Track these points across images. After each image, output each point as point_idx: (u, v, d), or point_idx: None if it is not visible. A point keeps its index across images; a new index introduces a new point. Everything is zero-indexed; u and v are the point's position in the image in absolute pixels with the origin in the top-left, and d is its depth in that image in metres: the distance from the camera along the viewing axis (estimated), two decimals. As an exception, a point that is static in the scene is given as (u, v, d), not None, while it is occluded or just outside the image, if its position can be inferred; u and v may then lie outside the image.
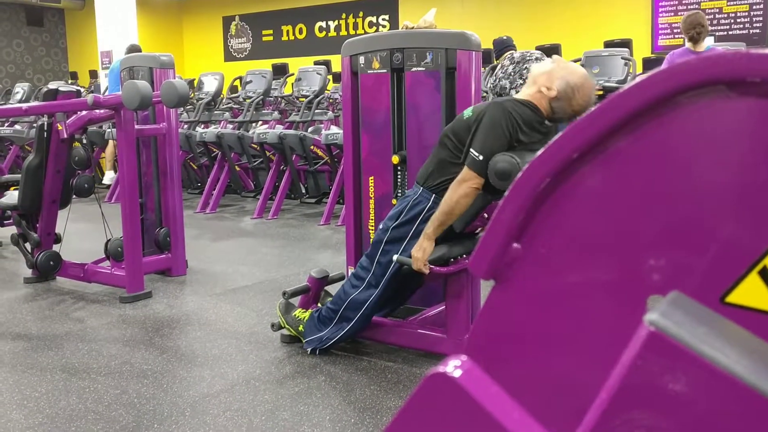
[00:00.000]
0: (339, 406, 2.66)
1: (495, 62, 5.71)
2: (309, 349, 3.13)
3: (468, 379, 0.76)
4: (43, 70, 16.25)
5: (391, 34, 3.47)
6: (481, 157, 2.62)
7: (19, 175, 4.48)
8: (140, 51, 8.12)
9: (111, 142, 8.45)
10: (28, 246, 4.46)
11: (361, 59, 3.39)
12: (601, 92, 6.10)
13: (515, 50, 5.82)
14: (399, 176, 3.39)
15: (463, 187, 2.65)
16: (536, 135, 2.75)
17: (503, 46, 5.85)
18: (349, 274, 3.21)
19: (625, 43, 7.76)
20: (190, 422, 2.54)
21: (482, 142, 2.64)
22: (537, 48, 6.37)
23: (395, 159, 3.33)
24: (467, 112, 2.82)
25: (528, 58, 5.59)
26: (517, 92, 5.55)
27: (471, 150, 2.66)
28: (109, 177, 8.60)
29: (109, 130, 7.63)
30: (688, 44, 5.75)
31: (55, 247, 4.49)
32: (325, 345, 3.09)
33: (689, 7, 10.24)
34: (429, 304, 3.43)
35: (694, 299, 0.75)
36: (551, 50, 7.52)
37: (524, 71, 5.54)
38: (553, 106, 2.75)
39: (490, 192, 2.73)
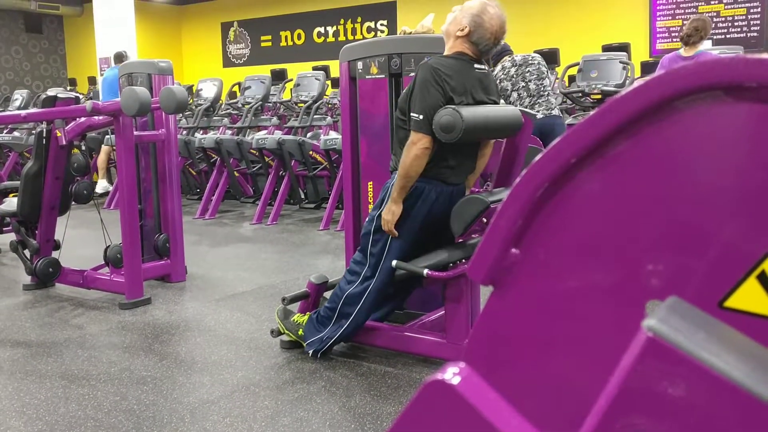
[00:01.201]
0: (339, 412, 2.66)
1: (491, 68, 5.71)
2: (310, 351, 3.12)
3: (466, 386, 0.76)
4: (42, 76, 16.27)
5: (389, 39, 3.47)
6: (421, 116, 2.77)
7: (18, 182, 4.47)
8: (127, 58, 8.13)
9: (103, 149, 8.44)
10: (27, 253, 4.45)
11: (360, 64, 3.40)
12: (599, 96, 6.11)
13: (513, 55, 5.82)
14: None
15: (413, 149, 2.80)
16: (471, 81, 2.89)
17: (501, 51, 5.85)
18: (344, 271, 3.22)
19: (624, 47, 7.78)
20: (189, 428, 2.54)
21: (418, 103, 2.79)
22: (535, 52, 6.37)
23: None
24: (404, 91, 2.96)
25: (530, 61, 5.59)
26: (519, 95, 5.56)
27: (411, 114, 2.81)
28: (101, 186, 8.57)
29: (108, 136, 7.64)
30: (681, 48, 5.76)
31: (54, 254, 4.48)
32: (326, 344, 3.09)
33: (687, 11, 10.27)
34: (428, 309, 3.43)
35: (692, 304, 0.75)
36: (549, 54, 7.55)
37: (527, 74, 5.54)
38: (473, 41, 2.89)
39: (448, 147, 2.82)
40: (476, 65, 2.92)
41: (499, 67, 5.76)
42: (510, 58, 5.69)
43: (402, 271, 2.90)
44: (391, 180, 2.98)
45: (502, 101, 5.31)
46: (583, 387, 0.80)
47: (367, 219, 3.07)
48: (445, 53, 2.94)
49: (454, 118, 2.70)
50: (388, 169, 3.37)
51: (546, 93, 5.56)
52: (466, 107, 2.77)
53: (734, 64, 0.72)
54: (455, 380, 0.77)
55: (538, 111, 5.44)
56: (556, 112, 5.58)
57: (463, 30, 2.88)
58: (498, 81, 5.71)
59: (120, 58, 8.18)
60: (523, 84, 5.56)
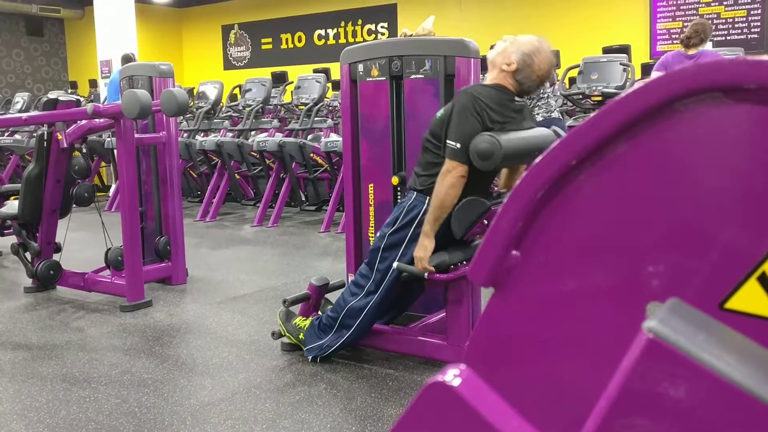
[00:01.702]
0: (340, 415, 2.66)
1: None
2: (309, 357, 3.12)
3: (467, 387, 0.76)
4: (43, 79, 16.29)
5: (389, 41, 3.47)
6: (458, 145, 2.70)
7: (19, 185, 4.48)
8: (135, 60, 8.14)
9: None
10: (28, 255, 4.46)
11: (360, 67, 3.40)
12: (599, 98, 6.11)
13: None
14: (399, 197, 3.39)
15: (448, 177, 2.72)
16: (510, 113, 2.83)
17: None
18: (349, 281, 3.21)
19: (624, 49, 7.77)
20: (190, 431, 2.54)
21: (456, 131, 2.71)
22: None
23: (395, 180, 3.34)
24: (439, 112, 2.89)
25: None
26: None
27: (447, 141, 2.73)
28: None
29: (109, 139, 7.65)
30: (682, 48, 5.78)
31: (55, 257, 4.48)
32: (326, 352, 3.09)
33: (687, 12, 10.27)
34: (429, 311, 3.43)
35: (692, 306, 0.75)
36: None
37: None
38: (518, 79, 2.82)
39: (477, 178, 2.78)
40: (516, 98, 2.85)
41: None
42: None
43: (405, 273, 2.89)
44: (408, 200, 2.93)
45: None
46: (583, 388, 0.80)
47: (377, 235, 3.02)
48: (487, 82, 2.87)
49: (493, 146, 2.63)
50: (388, 172, 3.37)
51: (546, 95, 5.56)
52: (503, 134, 2.70)
53: (734, 66, 0.72)
54: (456, 382, 0.77)
55: (537, 113, 5.44)
56: (556, 114, 5.58)
57: (510, 65, 2.80)
58: None
59: (128, 60, 8.19)
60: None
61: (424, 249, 2.80)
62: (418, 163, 2.97)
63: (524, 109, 2.93)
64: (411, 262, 2.89)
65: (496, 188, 3.34)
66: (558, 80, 5.85)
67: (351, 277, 3.31)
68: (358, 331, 3.03)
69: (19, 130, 8.68)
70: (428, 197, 2.86)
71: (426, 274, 2.81)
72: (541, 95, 5.54)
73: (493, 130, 2.72)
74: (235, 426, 2.56)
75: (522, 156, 2.88)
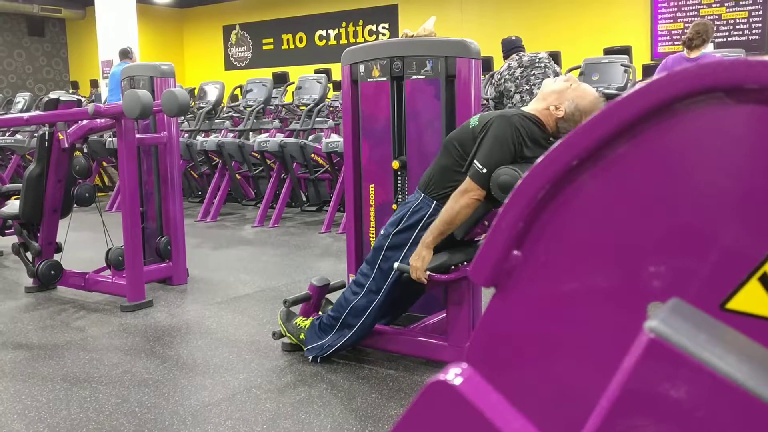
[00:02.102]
0: (340, 415, 2.66)
1: (499, 63, 5.71)
2: (310, 357, 3.12)
3: (468, 386, 0.76)
4: (45, 79, 16.30)
5: (390, 42, 3.47)
6: (485, 170, 2.63)
7: (21, 185, 4.48)
8: (132, 54, 8.14)
9: None
10: (29, 255, 4.46)
11: (361, 67, 3.40)
12: (600, 99, 6.10)
13: (523, 51, 5.79)
14: (399, 183, 3.40)
15: (465, 197, 2.67)
16: (540, 150, 2.74)
17: (511, 46, 5.83)
18: (350, 281, 3.21)
19: (625, 50, 7.77)
20: (191, 431, 2.54)
21: (487, 155, 2.64)
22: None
23: (395, 164, 3.34)
24: (473, 121, 2.82)
25: (537, 63, 5.57)
26: (521, 98, 5.55)
27: (475, 162, 2.67)
28: None
29: (111, 139, 7.65)
30: (684, 50, 5.77)
31: (56, 257, 4.49)
32: (327, 352, 3.09)
33: (688, 14, 10.28)
34: (430, 311, 3.43)
35: (694, 306, 0.75)
36: (551, 57, 7.52)
37: (531, 77, 5.53)
38: (559, 126, 2.76)
39: (492, 203, 2.74)
40: (551, 138, 2.79)
41: (505, 65, 5.74)
42: (517, 58, 5.66)
43: (406, 274, 2.89)
44: (416, 199, 2.91)
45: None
46: (585, 388, 0.80)
47: (381, 233, 3.00)
48: (528, 110, 2.80)
49: (514, 179, 2.58)
50: (389, 172, 3.37)
51: None
52: (523, 166, 2.65)
53: (735, 66, 0.72)
54: (457, 381, 0.77)
55: None
56: None
57: (558, 109, 2.74)
58: (502, 80, 5.71)
59: (126, 54, 8.20)
60: (527, 87, 5.56)
61: (421, 259, 2.77)
62: (435, 164, 2.91)
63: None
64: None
65: None
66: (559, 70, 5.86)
67: (352, 278, 3.31)
68: (360, 331, 3.03)
69: (20, 130, 8.68)
70: (435, 202, 2.84)
71: (427, 275, 2.81)
72: None
73: (518, 163, 2.67)
74: (235, 426, 2.56)
75: None
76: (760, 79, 0.71)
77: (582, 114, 2.72)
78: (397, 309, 3.24)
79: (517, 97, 5.62)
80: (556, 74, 5.63)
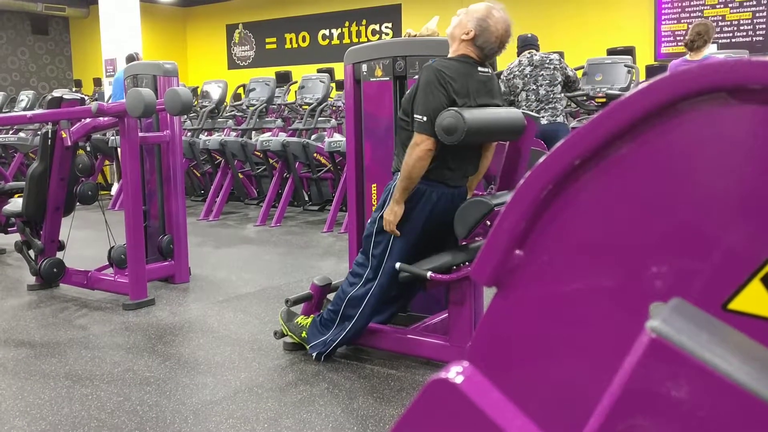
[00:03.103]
0: (341, 414, 2.66)
1: (495, 70, 5.68)
2: (314, 354, 3.12)
3: (470, 385, 0.76)
4: (48, 77, 16.32)
5: (393, 41, 3.48)
6: (424, 118, 2.77)
7: (24, 183, 4.49)
8: (139, 59, 8.16)
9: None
10: (31, 253, 4.47)
11: (364, 67, 3.40)
12: (603, 100, 6.10)
13: (537, 50, 5.76)
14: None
15: (416, 150, 2.79)
16: (474, 84, 2.88)
17: (525, 43, 5.81)
18: (347, 273, 3.22)
19: (628, 51, 7.76)
20: (192, 430, 2.54)
21: (422, 104, 2.78)
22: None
23: None
24: (409, 90, 2.95)
25: (547, 64, 5.55)
26: (527, 96, 5.54)
27: (415, 115, 2.80)
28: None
29: (113, 138, 7.66)
30: (687, 54, 5.75)
31: (59, 255, 4.49)
32: (330, 348, 3.09)
33: (692, 15, 10.26)
34: (432, 311, 3.43)
35: (696, 306, 0.75)
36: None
37: (539, 77, 5.52)
38: (478, 45, 2.88)
39: (450, 150, 2.82)
40: (480, 68, 2.92)
41: (516, 61, 5.73)
42: (529, 56, 5.65)
43: (406, 273, 2.89)
44: (393, 181, 2.97)
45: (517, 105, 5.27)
46: (586, 387, 0.80)
47: (369, 220, 3.07)
48: (449, 56, 2.94)
49: (457, 121, 2.69)
50: (391, 172, 3.37)
51: (554, 100, 5.54)
52: (468, 109, 2.77)
53: (738, 67, 0.72)
54: (459, 379, 0.77)
55: (543, 117, 5.43)
56: (560, 119, 5.57)
57: (468, 33, 2.87)
58: (511, 76, 5.70)
59: (131, 59, 8.21)
60: (533, 87, 5.54)
61: (393, 213, 2.88)
62: (396, 144, 3.06)
63: (490, 81, 2.98)
64: (406, 248, 2.93)
65: (492, 191, 3.34)
66: (573, 72, 5.81)
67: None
68: (361, 322, 3.03)
69: (23, 128, 8.70)
70: None
71: (429, 275, 2.81)
72: (551, 99, 5.53)
73: (457, 103, 2.77)
74: (236, 425, 2.57)
75: (488, 133, 2.92)
76: (762, 79, 0.71)
77: (485, 19, 2.86)
78: (395, 306, 3.23)
79: (523, 95, 5.60)
80: (567, 76, 5.61)
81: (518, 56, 5.76)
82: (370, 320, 3.08)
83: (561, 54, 5.75)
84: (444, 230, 2.94)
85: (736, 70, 0.73)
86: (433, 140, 2.77)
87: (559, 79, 5.55)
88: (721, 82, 0.74)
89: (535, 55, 5.64)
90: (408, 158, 2.80)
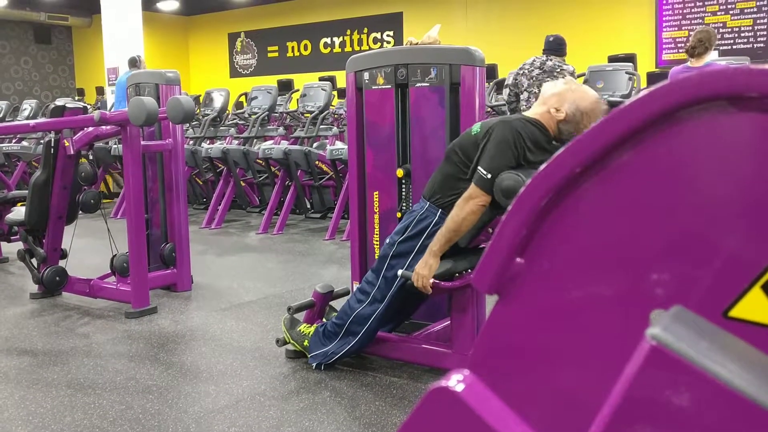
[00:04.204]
0: (344, 422, 2.65)
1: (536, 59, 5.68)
2: (314, 364, 3.12)
3: (470, 393, 0.76)
4: (51, 86, 16.37)
5: (395, 50, 3.48)
6: (489, 176, 2.63)
7: (26, 191, 4.50)
8: (141, 62, 8.19)
9: None
10: (34, 261, 4.47)
11: (366, 75, 3.41)
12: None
13: (557, 57, 5.72)
14: (404, 190, 3.40)
15: (470, 204, 2.67)
16: (544, 154, 2.75)
17: (547, 47, 5.76)
18: (355, 288, 3.21)
19: (630, 58, 7.77)
20: (194, 438, 2.54)
21: (490, 161, 2.64)
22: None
23: (400, 172, 3.34)
24: (475, 128, 2.82)
25: (556, 73, 5.54)
26: (529, 97, 5.54)
27: (479, 168, 2.67)
28: None
29: (116, 146, 7.68)
30: (689, 61, 5.76)
31: (61, 263, 4.50)
32: (330, 359, 3.09)
33: (693, 22, 10.28)
34: (434, 319, 3.43)
35: (696, 314, 0.75)
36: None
37: (543, 83, 5.53)
38: (561, 128, 2.77)
39: (496, 209, 2.74)
40: (553, 141, 2.80)
41: (530, 60, 5.73)
42: (543, 59, 5.65)
43: (410, 281, 2.89)
44: (422, 208, 2.91)
45: None
46: (587, 395, 0.80)
47: (386, 242, 3.00)
48: (530, 114, 2.82)
49: (517, 184, 2.58)
50: (393, 179, 3.38)
51: None
52: (527, 171, 2.65)
53: (737, 75, 0.73)
54: (459, 387, 0.77)
55: None
56: None
57: (558, 112, 2.75)
58: (521, 72, 5.71)
59: (134, 63, 8.24)
60: (535, 91, 5.55)
61: (428, 268, 2.76)
62: (439, 172, 2.92)
63: (557, 150, 2.87)
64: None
65: None
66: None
67: (356, 285, 3.31)
68: (364, 339, 3.03)
69: (26, 137, 8.72)
70: (441, 210, 2.84)
71: (431, 282, 2.81)
72: None
73: (522, 167, 2.67)
74: (239, 433, 2.56)
75: None
76: (761, 87, 0.72)
77: (583, 115, 2.74)
78: (400, 316, 3.24)
79: (525, 95, 5.61)
80: None
81: (543, 52, 5.75)
82: (374, 337, 3.07)
83: (573, 70, 5.73)
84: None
85: (735, 78, 0.73)
86: (489, 198, 2.65)
87: None
88: (721, 90, 0.75)
89: (550, 60, 5.63)
90: (459, 210, 2.68)
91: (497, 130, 2.69)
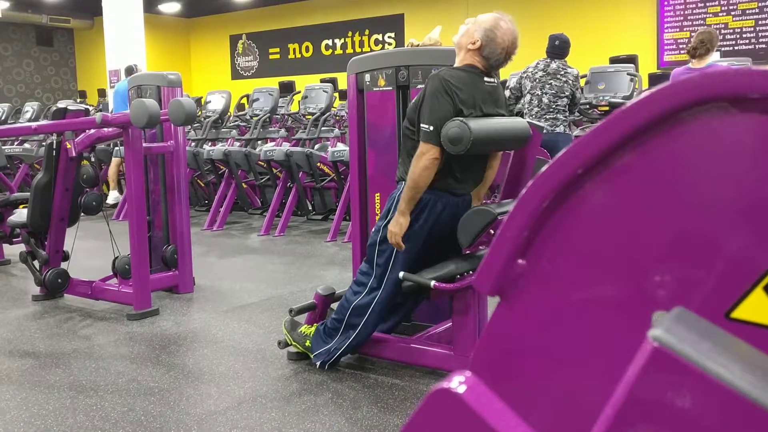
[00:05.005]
0: (345, 424, 2.65)
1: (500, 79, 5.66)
2: (318, 363, 3.12)
3: (472, 394, 0.76)
4: (53, 89, 16.40)
5: (396, 51, 3.49)
6: (431, 128, 2.77)
7: (29, 193, 4.51)
8: (138, 71, 8.21)
9: (114, 161, 8.51)
10: (36, 264, 4.47)
11: (367, 77, 3.41)
12: (606, 108, 6.10)
13: (560, 59, 5.70)
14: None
15: (422, 159, 2.79)
16: (480, 94, 2.88)
17: (551, 49, 5.73)
18: (351, 281, 3.21)
19: (631, 59, 7.77)
20: (196, 440, 2.54)
21: (428, 114, 2.78)
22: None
23: None
24: (414, 99, 2.96)
25: (560, 75, 5.53)
26: (530, 101, 5.53)
27: (421, 125, 2.80)
28: (113, 197, 8.64)
29: (118, 148, 7.69)
30: (691, 62, 5.75)
31: (63, 265, 4.50)
32: (334, 356, 3.09)
33: (694, 23, 10.28)
34: (436, 320, 3.42)
35: (699, 315, 0.75)
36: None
37: (547, 86, 5.52)
38: (484, 55, 2.88)
39: (455, 160, 2.82)
40: (486, 78, 2.92)
41: (534, 62, 5.72)
42: (547, 61, 5.63)
43: (409, 282, 2.89)
44: (397, 190, 2.97)
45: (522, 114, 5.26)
46: (589, 397, 0.80)
47: (373, 229, 3.07)
48: (456, 65, 2.94)
49: (462, 130, 2.70)
50: (394, 181, 3.38)
51: (556, 110, 5.53)
52: (474, 119, 2.77)
53: (739, 76, 0.73)
54: (461, 389, 0.77)
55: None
56: (560, 129, 5.56)
57: (474, 43, 2.87)
58: (525, 75, 5.70)
59: (130, 71, 8.26)
60: (538, 93, 5.54)
61: (399, 225, 2.86)
62: (400, 152, 3.05)
63: (496, 91, 2.98)
64: (410, 257, 2.92)
65: (496, 200, 3.34)
66: (581, 95, 5.77)
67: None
68: (365, 330, 3.03)
69: (28, 139, 8.73)
70: None
71: (432, 284, 2.81)
72: (552, 108, 5.52)
73: (463, 112, 2.78)
74: (241, 435, 2.56)
75: (493, 142, 2.93)
76: (763, 88, 0.71)
77: (493, 29, 2.86)
78: (399, 313, 3.23)
79: (528, 97, 5.59)
80: (573, 95, 5.58)
81: (546, 54, 5.73)
82: (375, 329, 3.08)
83: (577, 73, 5.71)
84: (448, 239, 2.94)
85: (737, 80, 0.73)
86: (438, 149, 2.77)
87: (567, 93, 5.53)
88: (722, 91, 0.75)
89: (553, 63, 5.61)
90: (414, 168, 2.80)
91: (427, 85, 2.85)
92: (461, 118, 2.73)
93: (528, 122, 3.10)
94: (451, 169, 2.89)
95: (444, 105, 2.76)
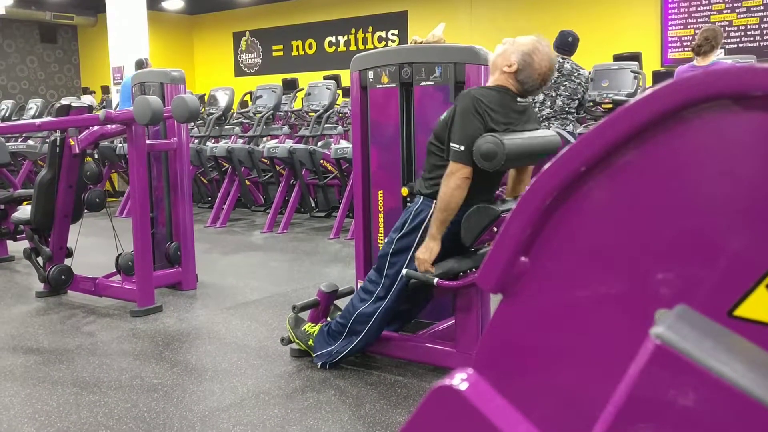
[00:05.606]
0: (348, 421, 2.66)
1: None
2: (319, 363, 3.13)
3: (474, 391, 0.76)
4: (56, 85, 16.43)
5: (400, 48, 3.48)
6: (462, 148, 2.71)
7: (32, 190, 4.52)
8: (148, 64, 8.22)
9: None
10: (40, 260, 4.48)
11: (371, 74, 3.41)
12: (610, 106, 6.08)
13: (570, 55, 5.67)
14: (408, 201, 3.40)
15: (452, 179, 2.74)
16: (512, 114, 2.84)
17: (561, 45, 5.69)
18: (358, 287, 3.22)
19: (635, 57, 7.76)
20: (199, 436, 2.54)
21: (459, 133, 2.73)
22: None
23: (404, 191, 3.34)
24: (442, 116, 2.91)
25: (574, 77, 5.49)
26: (543, 101, 5.51)
27: (451, 144, 2.75)
28: None
29: (121, 145, 7.70)
30: (695, 59, 5.73)
31: (67, 262, 4.51)
32: (335, 359, 3.09)
33: (699, 20, 10.25)
34: (439, 318, 3.43)
35: (701, 313, 0.75)
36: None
37: (561, 87, 5.48)
38: (520, 79, 2.83)
39: (483, 179, 2.79)
40: (519, 99, 2.86)
41: None
42: (561, 61, 5.59)
43: (414, 280, 2.89)
44: (415, 204, 2.94)
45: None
46: (591, 394, 0.80)
47: (386, 240, 3.03)
48: (489, 84, 2.90)
49: (496, 146, 2.64)
50: (397, 178, 3.38)
51: (568, 112, 5.51)
52: (506, 134, 2.72)
53: (741, 73, 0.73)
54: (463, 386, 0.77)
55: (551, 126, 5.40)
56: (569, 129, 5.55)
57: (510, 66, 2.81)
58: None
59: (140, 65, 8.27)
60: (552, 95, 5.50)
61: (429, 251, 2.80)
62: (424, 167, 3.00)
63: (528, 110, 2.94)
64: None
65: (502, 194, 3.33)
66: (588, 99, 5.75)
67: (360, 284, 3.31)
68: (368, 337, 3.03)
69: (32, 136, 8.75)
70: (434, 201, 2.87)
71: (435, 281, 2.81)
72: (564, 110, 5.50)
73: (496, 131, 2.73)
74: (243, 431, 2.57)
75: (526, 157, 2.90)
76: (765, 86, 0.71)
77: (531, 55, 2.80)
78: (405, 316, 3.24)
79: (541, 96, 5.55)
80: (582, 97, 5.55)
81: (554, 49, 5.69)
82: (378, 335, 3.08)
83: (588, 74, 5.68)
84: (451, 238, 2.94)
85: (740, 77, 0.73)
86: (469, 169, 2.72)
87: (579, 95, 5.50)
88: (725, 89, 0.75)
89: (567, 63, 5.57)
90: (445, 188, 2.74)
91: (458, 103, 2.80)
92: (493, 135, 2.67)
93: (557, 132, 3.09)
94: (484, 187, 2.84)
95: (474, 124, 2.71)
